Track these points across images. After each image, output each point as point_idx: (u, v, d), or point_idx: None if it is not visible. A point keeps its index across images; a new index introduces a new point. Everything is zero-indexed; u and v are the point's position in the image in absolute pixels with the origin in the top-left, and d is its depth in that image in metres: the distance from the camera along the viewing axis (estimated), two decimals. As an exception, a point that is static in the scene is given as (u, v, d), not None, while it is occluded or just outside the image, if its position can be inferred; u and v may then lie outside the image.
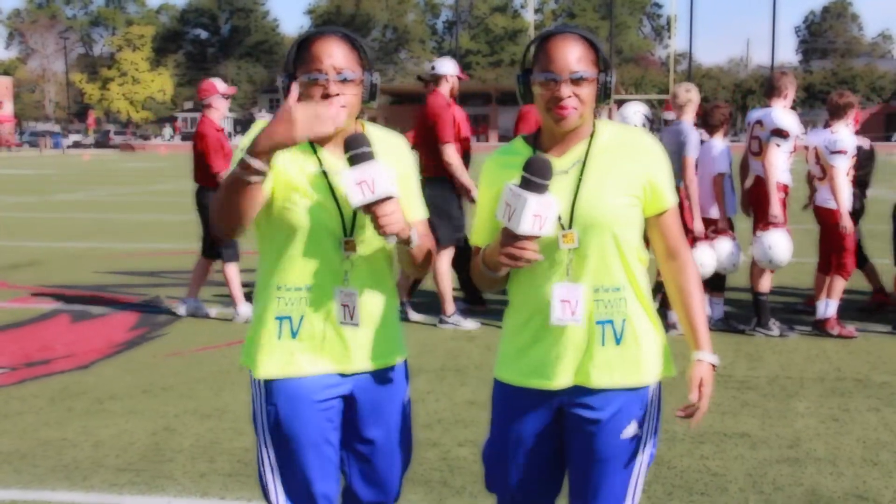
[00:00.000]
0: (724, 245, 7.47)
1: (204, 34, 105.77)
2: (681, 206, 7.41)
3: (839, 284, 7.54)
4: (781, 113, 7.44)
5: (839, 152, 7.41)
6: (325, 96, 2.50)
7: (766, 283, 7.54)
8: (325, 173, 2.59)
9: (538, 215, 2.33)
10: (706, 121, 7.85)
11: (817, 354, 6.96)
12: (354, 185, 2.42)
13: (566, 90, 2.43)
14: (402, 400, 2.79)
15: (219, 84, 8.24)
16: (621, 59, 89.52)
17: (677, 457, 4.81)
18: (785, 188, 7.47)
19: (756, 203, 7.64)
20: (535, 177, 2.34)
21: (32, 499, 4.34)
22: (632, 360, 2.55)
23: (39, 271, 10.69)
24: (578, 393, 2.56)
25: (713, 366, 2.61)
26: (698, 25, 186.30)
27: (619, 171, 2.51)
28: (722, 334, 7.59)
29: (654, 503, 4.26)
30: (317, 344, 2.63)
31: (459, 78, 8.04)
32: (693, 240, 7.30)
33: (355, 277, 2.62)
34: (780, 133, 7.34)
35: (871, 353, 7.00)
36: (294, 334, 2.62)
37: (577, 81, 2.43)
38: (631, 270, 2.54)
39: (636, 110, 7.87)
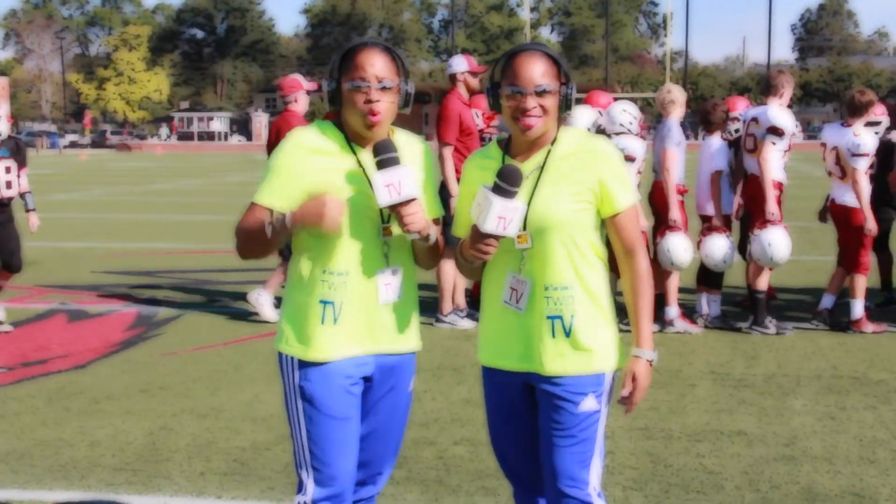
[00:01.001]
0: (718, 242, 7.49)
1: (200, 34, 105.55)
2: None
3: (860, 282, 7.58)
4: (777, 111, 7.46)
5: (861, 155, 7.43)
6: (367, 101, 2.76)
7: (763, 282, 7.55)
8: (363, 168, 2.84)
9: (502, 217, 2.64)
10: (705, 119, 7.87)
11: (814, 352, 6.97)
12: (383, 187, 2.72)
13: (531, 102, 2.71)
14: (409, 388, 3.07)
15: (302, 80, 8.23)
16: (617, 58, 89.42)
17: (674, 455, 4.82)
18: (780, 185, 7.49)
19: (751, 201, 7.65)
20: (504, 183, 2.64)
21: (29, 498, 4.34)
22: (581, 350, 2.79)
23: (36, 271, 10.67)
24: (537, 376, 2.83)
25: (650, 362, 2.85)
26: (694, 23, 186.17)
27: (572, 177, 2.77)
28: (718, 332, 7.60)
29: (650, 501, 4.26)
30: (354, 328, 2.86)
31: (474, 72, 8.03)
32: (670, 229, 7.37)
33: (393, 260, 2.91)
34: (776, 131, 7.36)
35: (868, 351, 7.01)
36: (335, 320, 2.84)
37: (541, 94, 2.71)
38: (580, 270, 2.79)
39: (623, 108, 7.85)
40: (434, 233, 2.87)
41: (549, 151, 2.79)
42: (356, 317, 2.86)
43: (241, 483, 4.46)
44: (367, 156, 2.84)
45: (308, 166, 2.82)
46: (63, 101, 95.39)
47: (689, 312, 7.90)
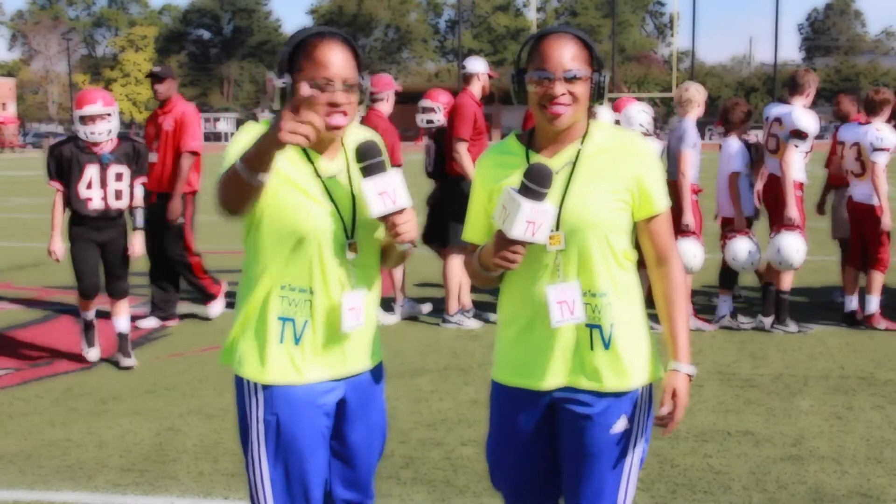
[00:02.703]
0: (741, 244, 7.47)
1: (206, 35, 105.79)
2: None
3: (878, 279, 7.64)
4: (801, 112, 7.42)
5: (883, 149, 7.46)
6: (333, 104, 2.49)
7: (787, 282, 7.56)
8: (321, 178, 2.58)
9: (532, 221, 2.36)
10: (724, 119, 7.86)
11: (821, 352, 6.95)
12: (376, 196, 2.46)
13: (560, 88, 2.45)
14: (382, 398, 2.83)
15: (392, 80, 8.25)
16: (624, 58, 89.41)
17: (680, 455, 4.81)
18: (800, 186, 7.47)
19: (771, 202, 7.65)
20: (533, 184, 2.37)
21: (37, 499, 4.35)
22: (620, 364, 2.57)
23: (43, 272, 10.68)
24: (569, 391, 2.59)
25: (689, 377, 2.63)
26: (701, 23, 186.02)
27: (608, 174, 2.53)
28: (726, 332, 7.59)
29: (657, 502, 4.25)
30: (318, 350, 2.61)
31: (490, 76, 8.04)
32: (684, 233, 7.35)
33: (359, 279, 2.63)
34: (799, 134, 7.34)
35: (876, 351, 6.99)
36: (297, 340, 2.59)
37: (570, 80, 2.46)
38: (615, 275, 2.56)
39: (641, 109, 7.89)
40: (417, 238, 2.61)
41: (581, 145, 2.55)
42: (321, 339, 2.60)
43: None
44: (324, 163, 2.59)
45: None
46: (70, 102, 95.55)
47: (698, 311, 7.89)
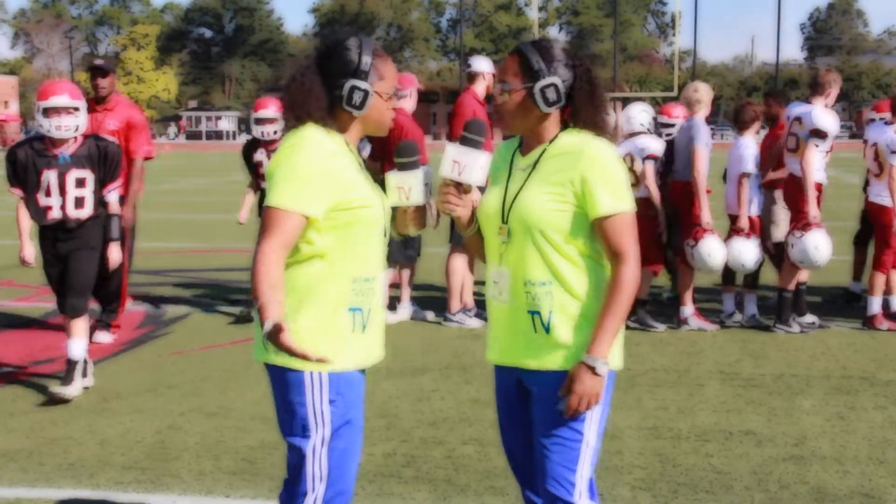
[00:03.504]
0: (741, 245, 7.45)
1: (208, 33, 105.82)
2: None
3: (879, 280, 7.66)
4: (821, 112, 7.42)
5: None
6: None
7: (794, 282, 7.55)
8: (361, 166, 2.90)
9: (457, 161, 2.75)
10: (737, 118, 7.86)
11: (823, 352, 6.95)
12: (394, 188, 2.83)
13: (501, 97, 2.83)
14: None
15: (415, 78, 8.26)
16: (625, 57, 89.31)
17: (682, 455, 4.81)
18: (819, 187, 7.47)
19: (791, 202, 7.64)
20: (466, 132, 2.80)
21: (38, 497, 4.35)
22: (560, 347, 2.77)
23: (45, 270, 10.68)
24: (523, 372, 2.86)
25: (593, 370, 2.71)
26: (703, 23, 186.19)
27: (558, 176, 2.77)
28: (727, 332, 7.59)
29: (659, 501, 4.25)
30: (378, 333, 2.92)
31: (495, 76, 8.04)
32: (702, 231, 7.35)
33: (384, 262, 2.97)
34: (819, 134, 7.34)
35: (878, 351, 6.98)
36: (364, 327, 2.84)
37: (507, 91, 2.81)
38: (558, 267, 2.76)
39: (642, 109, 7.92)
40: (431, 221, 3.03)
41: (544, 149, 2.82)
42: (378, 322, 2.91)
43: (250, 482, 4.46)
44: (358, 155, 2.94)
45: (335, 166, 2.76)
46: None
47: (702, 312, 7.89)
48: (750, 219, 7.61)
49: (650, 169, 7.62)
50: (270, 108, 7.95)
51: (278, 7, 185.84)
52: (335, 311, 2.78)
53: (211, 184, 27.72)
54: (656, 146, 7.70)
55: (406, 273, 8.06)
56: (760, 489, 4.38)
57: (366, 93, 2.79)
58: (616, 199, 2.73)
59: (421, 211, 2.93)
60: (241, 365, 6.59)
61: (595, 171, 2.73)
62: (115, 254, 6.08)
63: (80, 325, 5.87)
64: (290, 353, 2.50)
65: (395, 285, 8.13)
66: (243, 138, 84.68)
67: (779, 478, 4.51)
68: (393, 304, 8.12)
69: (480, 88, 7.92)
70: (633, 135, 7.80)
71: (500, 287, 2.84)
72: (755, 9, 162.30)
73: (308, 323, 2.76)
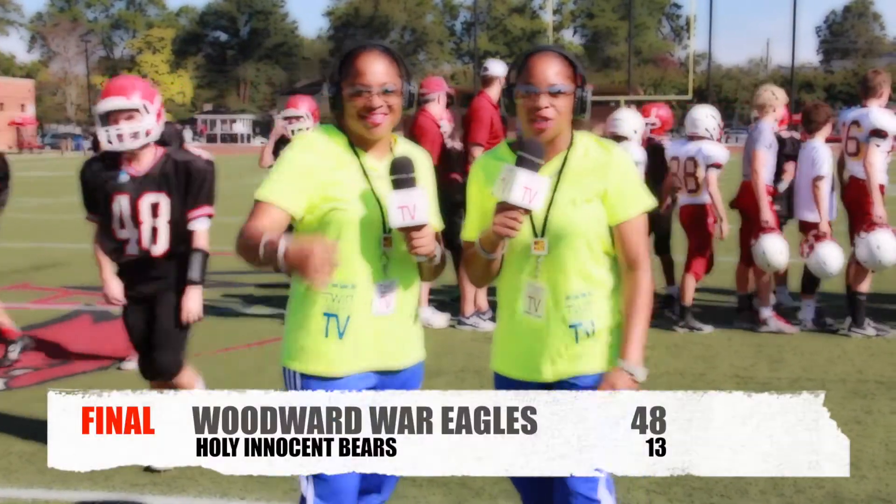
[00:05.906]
0: (829, 250, 7.38)
1: (223, 36, 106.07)
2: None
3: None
4: (879, 113, 7.41)
5: None
6: (368, 107, 2.74)
7: (865, 284, 7.52)
8: (366, 175, 2.81)
9: (528, 188, 2.60)
10: (807, 119, 7.79)
11: (839, 356, 6.92)
12: (396, 208, 2.68)
13: (544, 101, 2.69)
14: None
15: (444, 82, 8.26)
16: (640, 60, 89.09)
17: (698, 459, 4.78)
18: (881, 188, 7.43)
19: (854, 204, 7.60)
20: (528, 154, 2.62)
21: (55, 498, 4.38)
22: (603, 349, 2.80)
23: (62, 272, 10.75)
24: (557, 384, 2.81)
25: (632, 377, 2.75)
26: (718, 26, 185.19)
27: (587, 183, 2.76)
28: (743, 336, 7.56)
29: (674, 505, 4.24)
30: (359, 343, 2.80)
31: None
32: (763, 230, 7.30)
33: (391, 271, 2.83)
34: (879, 133, 7.32)
35: (894, 355, 6.94)
36: (340, 335, 2.78)
37: (554, 94, 2.70)
38: (596, 276, 2.78)
39: (709, 114, 7.86)
40: (439, 253, 2.84)
41: (566, 157, 2.79)
42: (361, 331, 2.81)
43: (265, 485, 4.47)
44: (370, 160, 2.83)
45: (319, 166, 2.77)
46: (88, 103, 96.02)
47: (699, 314, 7.86)
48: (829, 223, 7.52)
49: (713, 177, 7.57)
50: (301, 108, 8.20)
51: (293, 10, 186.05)
52: (308, 313, 2.81)
53: (228, 187, 27.74)
54: (722, 155, 7.63)
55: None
56: (776, 493, 4.36)
57: (333, 94, 2.80)
58: (637, 203, 2.80)
59: (432, 235, 2.80)
60: (255, 368, 6.61)
61: (624, 180, 2.77)
62: (193, 302, 4.70)
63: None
64: (304, 262, 2.43)
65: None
66: (258, 141, 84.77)
67: (794, 482, 4.49)
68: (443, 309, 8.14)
69: (495, 92, 7.92)
70: (694, 137, 7.78)
71: (538, 303, 2.79)
72: (770, 12, 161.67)
73: (288, 317, 2.89)
